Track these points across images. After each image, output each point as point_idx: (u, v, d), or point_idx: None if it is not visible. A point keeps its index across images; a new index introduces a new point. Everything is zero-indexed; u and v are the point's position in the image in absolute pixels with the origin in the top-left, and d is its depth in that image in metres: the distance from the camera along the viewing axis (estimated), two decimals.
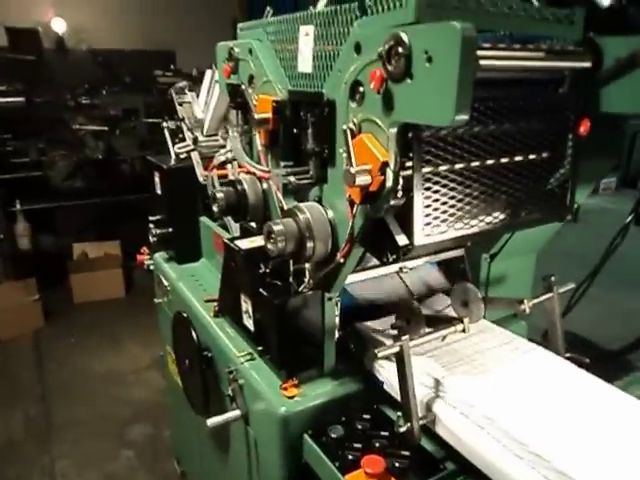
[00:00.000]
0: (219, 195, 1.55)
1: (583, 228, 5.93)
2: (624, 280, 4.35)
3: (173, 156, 2.39)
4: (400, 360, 1.20)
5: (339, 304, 1.47)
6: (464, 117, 0.89)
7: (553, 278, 1.45)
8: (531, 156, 1.27)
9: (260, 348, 1.52)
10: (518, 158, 1.24)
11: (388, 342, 1.36)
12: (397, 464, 1.25)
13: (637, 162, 8.08)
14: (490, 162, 1.20)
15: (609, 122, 1.35)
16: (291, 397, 1.39)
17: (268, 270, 1.43)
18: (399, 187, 1.08)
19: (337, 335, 1.46)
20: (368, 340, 1.50)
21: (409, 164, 1.08)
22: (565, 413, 1.17)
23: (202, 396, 1.67)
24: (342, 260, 1.25)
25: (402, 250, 1.12)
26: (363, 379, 1.48)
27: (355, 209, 1.16)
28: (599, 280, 1.74)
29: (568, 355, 1.49)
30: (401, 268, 1.57)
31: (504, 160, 1.22)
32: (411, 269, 1.58)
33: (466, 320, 1.29)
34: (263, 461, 1.50)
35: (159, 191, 2.30)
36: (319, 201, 1.30)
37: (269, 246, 1.26)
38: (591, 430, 1.12)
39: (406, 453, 1.26)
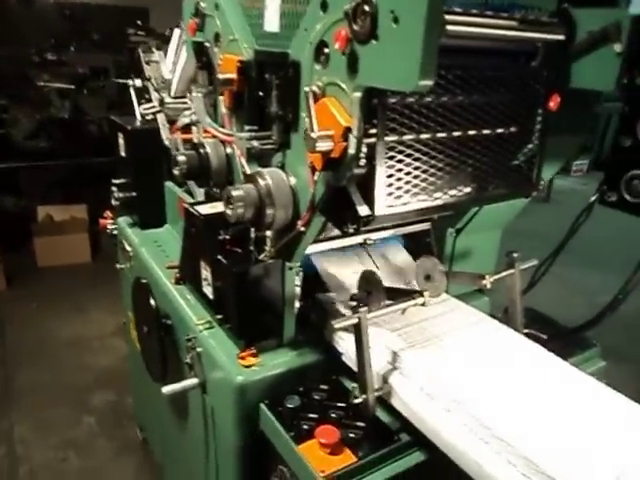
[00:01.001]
0: (180, 158, 1.49)
1: (554, 208, 6.02)
2: (588, 260, 4.46)
3: (139, 117, 2.30)
4: (358, 332, 1.18)
5: (300, 274, 1.44)
6: (428, 83, 0.86)
7: (515, 254, 1.45)
8: (499, 129, 1.24)
9: (219, 316, 1.49)
10: (486, 131, 1.22)
11: (349, 313, 1.34)
12: (352, 435, 1.25)
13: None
14: (457, 134, 1.17)
15: (580, 99, 1.34)
16: (248, 366, 1.37)
17: (228, 237, 1.39)
18: (362, 155, 1.05)
19: (298, 305, 1.44)
20: (329, 311, 1.49)
21: (373, 131, 1.04)
22: (525, 393, 1.17)
23: (160, 364, 1.64)
24: (303, 229, 1.22)
25: (363, 221, 1.09)
26: (323, 350, 1.47)
27: (316, 176, 1.13)
28: (564, 260, 1.75)
29: (526, 331, 1.51)
30: (365, 240, 1.55)
31: (471, 132, 1.20)
32: (375, 241, 1.56)
33: (426, 293, 1.28)
34: (219, 430, 1.49)
35: (123, 153, 2.21)
36: (282, 167, 1.26)
37: (228, 212, 1.22)
38: (551, 411, 1.13)
39: (361, 424, 1.26)
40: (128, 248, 2.19)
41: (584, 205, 1.65)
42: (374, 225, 1.11)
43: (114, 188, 2.21)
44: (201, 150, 1.50)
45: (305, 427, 1.26)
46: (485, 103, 1.19)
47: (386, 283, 1.57)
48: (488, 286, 1.40)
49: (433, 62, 0.84)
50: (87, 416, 2.90)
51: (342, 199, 1.12)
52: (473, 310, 1.54)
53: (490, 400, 1.14)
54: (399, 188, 1.11)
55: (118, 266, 2.34)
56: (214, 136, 1.47)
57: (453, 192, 1.21)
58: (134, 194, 2.18)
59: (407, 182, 1.12)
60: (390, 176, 1.10)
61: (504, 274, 1.44)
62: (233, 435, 1.40)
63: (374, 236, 1.57)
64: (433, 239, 1.70)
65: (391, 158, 1.08)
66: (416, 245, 1.73)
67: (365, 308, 1.17)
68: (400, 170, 1.11)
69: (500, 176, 1.29)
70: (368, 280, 1.42)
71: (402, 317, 1.45)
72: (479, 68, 1.17)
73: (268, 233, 1.34)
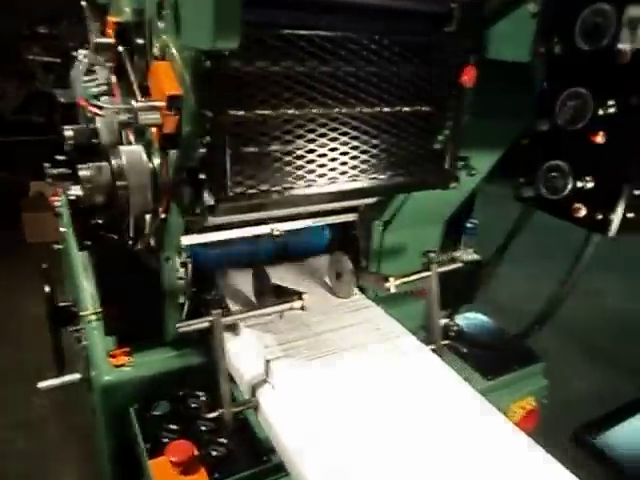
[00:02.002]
0: (67, 133, 1.36)
1: None
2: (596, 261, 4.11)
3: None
4: (212, 337, 1.03)
5: (189, 265, 1.29)
6: (230, 44, 0.69)
7: (433, 254, 1.26)
8: (393, 107, 1.04)
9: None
10: (374, 109, 1.02)
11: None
12: (214, 452, 1.10)
13: None
14: (334, 111, 0.98)
15: (514, 73, 1.13)
16: (119, 366, 1.24)
17: (101, 222, 1.24)
18: (205, 132, 0.89)
19: (183, 300, 1.29)
20: (218, 305, 1.32)
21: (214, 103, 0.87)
22: (413, 436, 0.97)
23: (54, 353, 1.52)
24: (164, 215, 1.07)
25: (207, 209, 0.93)
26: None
27: (163, 156, 0.97)
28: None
29: (446, 342, 1.32)
30: (272, 230, 1.37)
31: (354, 110, 1.00)
32: (282, 232, 1.38)
33: (306, 296, 1.10)
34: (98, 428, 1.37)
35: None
36: (149, 145, 1.10)
37: (80, 193, 1.07)
38: (435, 461, 0.92)
39: (224, 441, 1.11)
40: (62, 228, 2.08)
41: None
42: (222, 215, 0.95)
43: (46, 164, 2.09)
44: (91, 125, 1.36)
45: (165, 439, 1.12)
46: (374, 74, 1.00)
47: (291, 279, 1.42)
48: (392, 290, 1.21)
49: (234, 17, 0.67)
50: (41, 397, 2.84)
51: (191, 183, 0.96)
52: (394, 323, 1.31)
53: (365, 439, 0.95)
54: (252, 176, 0.94)
55: (55, 247, 2.24)
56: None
57: (332, 179, 1.03)
58: (70, 171, 2.05)
59: (263, 166, 0.95)
60: (241, 158, 0.92)
61: (415, 277, 1.24)
62: (104, 436, 1.27)
63: (284, 226, 1.39)
64: (360, 232, 1.51)
65: (238, 136, 0.90)
66: (342, 238, 1.55)
67: (218, 311, 1.01)
68: (253, 153, 0.93)
69: (398, 163, 1.10)
70: (258, 276, 1.26)
71: (306, 325, 1.26)
72: (365, 32, 0.97)
73: (147, 219, 1.19)
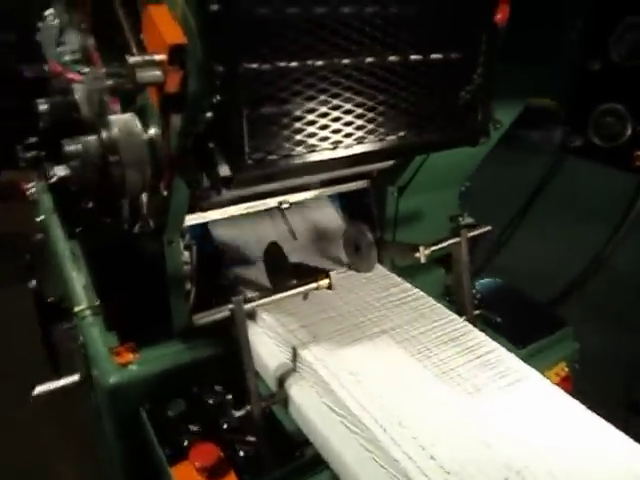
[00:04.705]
0: (42, 107, 1.20)
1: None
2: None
3: None
4: (234, 327, 0.91)
5: (194, 249, 1.16)
6: None
7: (461, 219, 1.15)
8: (414, 56, 0.91)
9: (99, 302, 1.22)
10: (393, 58, 0.89)
11: (252, 294, 1.05)
12: (243, 452, 1.00)
13: None
14: (369, 60, 0.85)
15: (542, 10, 1.01)
16: (125, 364, 1.11)
17: (92, 205, 1.10)
18: (215, 89, 0.75)
19: (189, 287, 1.17)
20: (237, 291, 1.20)
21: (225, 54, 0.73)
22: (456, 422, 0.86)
23: (45, 353, 1.39)
24: (165, 192, 0.94)
25: (223, 182, 0.80)
26: (229, 340, 1.20)
27: (163, 123, 0.83)
28: None
29: (477, 312, 1.23)
30: (280, 203, 1.25)
31: (386, 58, 0.87)
32: (292, 204, 1.25)
33: (333, 274, 0.99)
34: (105, 432, 1.25)
35: None
36: (141, 112, 0.96)
37: (65, 173, 0.93)
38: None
39: (252, 439, 1.00)
40: (40, 217, 1.90)
41: None
42: (239, 187, 0.82)
43: (19, 147, 1.90)
44: (68, 96, 1.20)
45: (186, 443, 1.01)
46: (395, 16, 0.86)
47: (303, 256, 1.30)
48: (422, 260, 1.11)
49: None
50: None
51: (200, 153, 0.83)
52: (447, 314, 1.13)
53: (409, 423, 0.85)
54: (276, 136, 0.81)
55: (37, 237, 2.06)
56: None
57: (359, 136, 0.89)
58: (43, 154, 1.88)
59: (284, 126, 0.81)
60: (259, 120, 0.79)
61: (446, 244, 1.14)
62: (113, 442, 1.16)
63: (293, 197, 1.27)
64: (373, 200, 1.40)
65: (255, 92, 0.77)
66: (354, 207, 1.44)
67: (240, 297, 0.89)
68: (276, 113, 0.80)
69: (427, 118, 0.97)
70: (272, 255, 1.14)
71: (331, 305, 1.14)
72: None
73: (144, 199, 1.06)
